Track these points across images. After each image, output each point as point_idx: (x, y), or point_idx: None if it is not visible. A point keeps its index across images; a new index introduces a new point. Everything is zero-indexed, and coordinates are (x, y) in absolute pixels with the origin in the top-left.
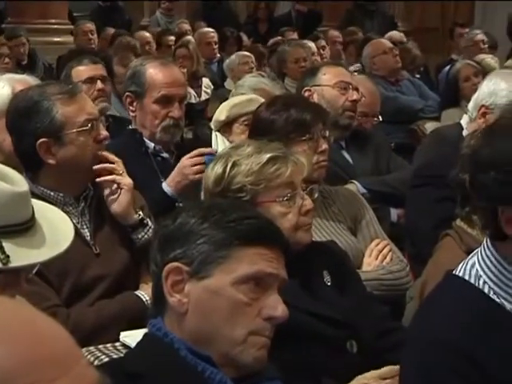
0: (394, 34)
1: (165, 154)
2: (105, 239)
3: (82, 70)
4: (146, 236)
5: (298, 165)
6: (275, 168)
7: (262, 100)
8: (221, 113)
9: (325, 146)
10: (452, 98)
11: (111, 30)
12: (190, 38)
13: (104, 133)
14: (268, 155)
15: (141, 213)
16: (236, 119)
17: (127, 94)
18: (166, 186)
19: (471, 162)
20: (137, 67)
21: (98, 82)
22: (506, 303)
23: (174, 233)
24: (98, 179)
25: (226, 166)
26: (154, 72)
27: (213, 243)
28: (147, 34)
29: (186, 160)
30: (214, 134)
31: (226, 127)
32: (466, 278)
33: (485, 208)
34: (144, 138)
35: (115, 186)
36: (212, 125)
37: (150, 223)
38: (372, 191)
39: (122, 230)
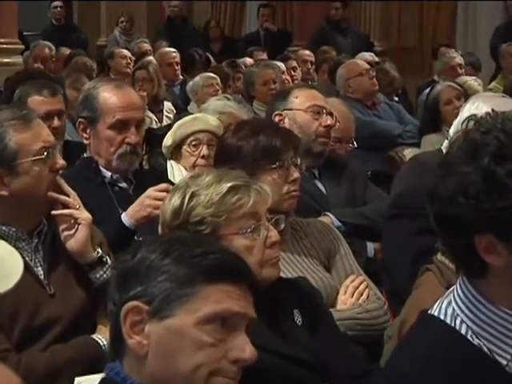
0: (365, 54)
1: (123, 184)
2: (60, 278)
3: (40, 102)
4: (104, 275)
5: (261, 194)
6: (237, 198)
7: (210, 118)
8: (167, 138)
9: (296, 174)
10: (432, 122)
11: (66, 51)
12: (150, 58)
13: (61, 162)
14: (228, 184)
15: (99, 250)
16: (183, 141)
17: (80, 120)
18: (125, 217)
19: (435, 198)
20: (89, 91)
21: (56, 119)
22: (485, 343)
23: (134, 269)
24: (53, 212)
25: (184, 197)
26: (108, 95)
27: (175, 280)
28: (125, 52)
29: (151, 191)
30: (169, 163)
31: (175, 152)
32: (442, 317)
33: (457, 244)
34: (100, 167)
35: (72, 220)
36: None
37: (109, 261)
38: (347, 224)
39: (79, 268)
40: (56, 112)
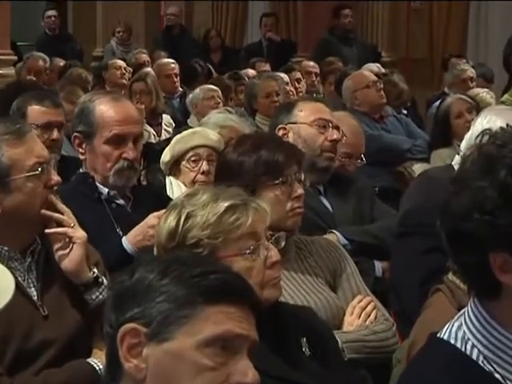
0: (371, 65)
1: (120, 201)
2: (54, 299)
3: (42, 112)
4: (100, 296)
5: (259, 212)
6: (234, 218)
7: (211, 133)
8: (165, 154)
9: (300, 190)
10: (443, 136)
11: (60, 62)
12: (148, 70)
13: (56, 178)
14: (225, 204)
15: (95, 270)
16: (182, 156)
17: (75, 134)
18: (126, 242)
19: (447, 214)
20: (85, 104)
21: (55, 130)
22: (497, 368)
23: (131, 290)
24: (47, 231)
25: (180, 218)
26: (105, 108)
27: (174, 301)
28: (120, 63)
29: (153, 218)
30: (167, 179)
31: (174, 168)
32: (452, 341)
33: (470, 263)
34: (96, 183)
35: (67, 239)
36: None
37: (105, 282)
38: (354, 242)
39: (74, 288)
40: (56, 124)
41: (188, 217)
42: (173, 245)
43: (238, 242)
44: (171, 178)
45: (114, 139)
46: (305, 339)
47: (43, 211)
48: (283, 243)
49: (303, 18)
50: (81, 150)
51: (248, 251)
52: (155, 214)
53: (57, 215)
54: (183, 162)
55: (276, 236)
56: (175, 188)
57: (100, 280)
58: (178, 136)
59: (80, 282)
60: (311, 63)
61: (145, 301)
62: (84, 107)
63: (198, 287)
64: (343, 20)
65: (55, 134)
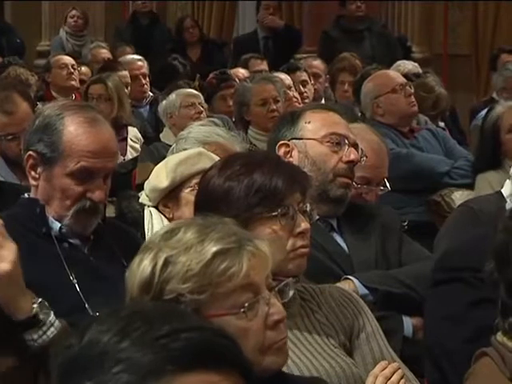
0: (405, 63)
1: (75, 240)
2: None
3: None
4: (44, 336)
5: (257, 257)
6: (224, 267)
7: (216, 158)
8: (159, 178)
9: (304, 225)
10: (491, 155)
11: None
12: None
13: None
14: (213, 248)
15: (35, 305)
16: (185, 182)
17: (30, 153)
18: None
19: (506, 252)
20: (51, 118)
21: None
22: None
23: (80, 357)
24: None
25: (156, 264)
26: (75, 132)
27: (136, 371)
28: (66, 59)
29: None
30: (147, 211)
31: (168, 199)
32: None
33: None
34: (47, 214)
35: None
36: (145, 198)
37: (52, 319)
38: (376, 292)
39: (8, 338)
40: None
41: (166, 263)
42: (147, 298)
43: (229, 298)
44: (153, 210)
45: (80, 173)
46: None
47: None
48: (291, 293)
49: (310, 3)
50: (33, 173)
51: (242, 309)
52: None
53: None
54: (187, 190)
55: (282, 285)
56: (155, 222)
57: (42, 317)
58: (180, 156)
59: (16, 318)
60: (316, 62)
61: (98, 372)
62: (49, 122)
63: (167, 351)
64: (350, 6)
65: None
